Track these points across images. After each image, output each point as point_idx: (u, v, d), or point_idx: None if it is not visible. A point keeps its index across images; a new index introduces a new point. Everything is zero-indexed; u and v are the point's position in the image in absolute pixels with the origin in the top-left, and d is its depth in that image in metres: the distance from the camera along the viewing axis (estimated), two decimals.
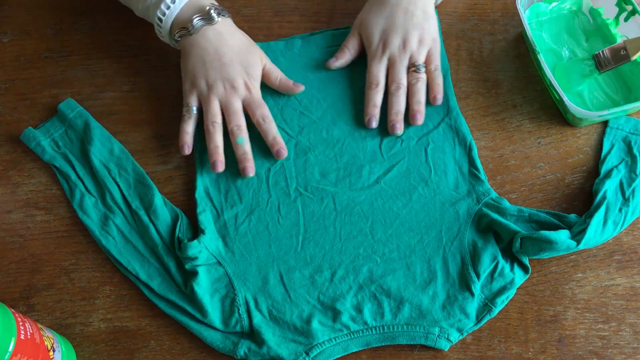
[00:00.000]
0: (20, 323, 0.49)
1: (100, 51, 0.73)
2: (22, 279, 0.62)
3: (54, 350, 0.53)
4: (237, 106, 0.65)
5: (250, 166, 0.64)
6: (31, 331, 0.50)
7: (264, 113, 0.65)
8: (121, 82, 0.71)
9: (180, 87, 0.69)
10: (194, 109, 0.66)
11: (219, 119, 0.65)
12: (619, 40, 0.70)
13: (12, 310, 0.50)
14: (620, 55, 0.64)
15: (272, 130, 0.65)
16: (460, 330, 0.57)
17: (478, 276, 0.59)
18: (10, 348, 0.47)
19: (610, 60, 0.64)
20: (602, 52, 0.64)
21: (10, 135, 0.68)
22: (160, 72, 0.72)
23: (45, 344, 0.52)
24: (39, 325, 0.53)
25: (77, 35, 0.74)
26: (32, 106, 0.70)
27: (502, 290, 0.58)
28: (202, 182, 0.64)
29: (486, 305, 0.58)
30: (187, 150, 0.65)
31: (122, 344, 0.59)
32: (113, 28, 0.74)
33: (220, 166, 0.63)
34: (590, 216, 0.59)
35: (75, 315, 0.60)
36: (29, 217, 0.64)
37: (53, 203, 0.65)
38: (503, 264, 0.59)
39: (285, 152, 0.65)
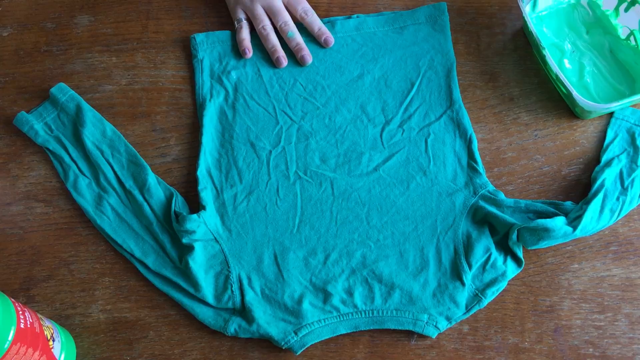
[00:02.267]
0: (20, 312, 0.49)
1: (99, 45, 0.73)
2: (22, 270, 0.62)
3: (53, 340, 0.53)
4: (279, 5, 0.72)
5: (307, 54, 0.70)
6: (31, 320, 0.50)
7: (305, 7, 0.72)
8: (120, 76, 0.72)
9: (179, 82, 0.71)
10: (243, 19, 0.72)
11: (267, 21, 0.71)
12: (620, 31, 0.70)
13: (12, 299, 0.50)
14: None
15: (317, 21, 0.72)
16: (448, 319, 0.58)
17: (470, 266, 0.59)
18: (10, 337, 0.47)
19: None
20: None
21: (10, 129, 0.68)
22: (158, 66, 0.72)
23: (45, 333, 0.52)
24: (39, 316, 0.53)
25: (76, 29, 0.74)
26: (32, 100, 0.70)
27: (493, 282, 0.59)
28: (205, 162, 0.65)
29: (476, 296, 0.59)
30: (249, 53, 0.71)
31: (121, 335, 0.59)
32: (112, 22, 0.75)
33: (284, 61, 0.70)
34: (588, 203, 0.59)
35: (74, 306, 0.61)
36: (29, 209, 0.65)
37: (53, 195, 0.65)
38: (496, 256, 0.60)
39: (331, 41, 0.71)
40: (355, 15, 0.73)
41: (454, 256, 0.60)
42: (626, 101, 0.63)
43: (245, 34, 0.71)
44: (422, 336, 0.58)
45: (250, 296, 0.59)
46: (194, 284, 0.59)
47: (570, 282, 0.60)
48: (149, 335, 0.59)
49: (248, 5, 0.71)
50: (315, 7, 0.75)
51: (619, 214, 0.61)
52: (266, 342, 0.58)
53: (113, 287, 0.61)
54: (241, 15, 0.72)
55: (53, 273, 0.62)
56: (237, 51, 0.71)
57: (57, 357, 0.54)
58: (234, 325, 0.58)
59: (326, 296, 0.59)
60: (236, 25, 0.72)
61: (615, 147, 0.65)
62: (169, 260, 0.61)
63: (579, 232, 0.58)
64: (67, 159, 0.65)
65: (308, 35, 0.72)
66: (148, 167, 0.65)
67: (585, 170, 0.65)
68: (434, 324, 0.58)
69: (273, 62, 0.71)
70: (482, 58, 0.72)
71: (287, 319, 0.58)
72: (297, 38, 0.71)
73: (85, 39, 0.74)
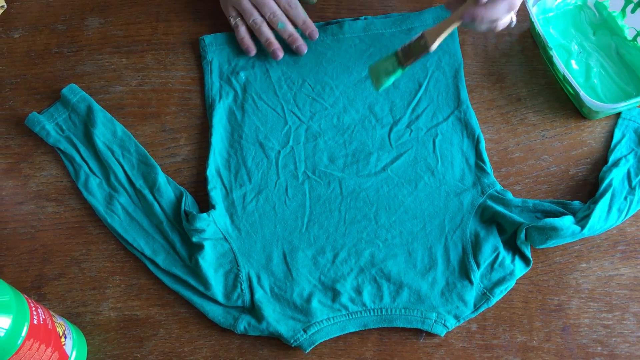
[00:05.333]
0: (33, 309, 0.50)
1: (109, 46, 0.74)
2: (34, 268, 0.63)
3: (65, 337, 0.54)
4: None
5: (302, 44, 0.70)
6: (44, 317, 0.51)
7: None
8: (130, 77, 0.72)
9: (188, 83, 0.72)
10: (236, 17, 0.71)
11: (256, 14, 0.70)
12: (626, 32, 0.70)
13: (25, 296, 0.50)
14: (420, 47, 0.60)
15: (301, 14, 0.71)
16: (457, 317, 0.58)
17: (478, 265, 0.59)
18: (24, 333, 0.48)
19: (411, 53, 0.61)
20: (403, 45, 0.62)
21: (22, 129, 0.69)
22: (168, 67, 0.73)
23: (57, 330, 0.53)
24: (51, 312, 0.54)
25: (87, 31, 0.75)
26: (43, 100, 0.71)
27: (501, 280, 0.59)
28: (214, 162, 0.65)
29: (484, 295, 0.59)
30: (252, 51, 0.71)
31: (131, 332, 0.60)
32: (122, 24, 0.76)
33: (280, 53, 0.70)
34: (595, 202, 0.60)
35: (85, 304, 0.61)
36: (40, 208, 0.65)
37: (64, 195, 0.66)
38: (504, 255, 0.60)
39: (316, 34, 0.71)
40: (363, 17, 0.74)
41: (462, 255, 0.60)
42: (633, 101, 0.64)
43: (242, 33, 0.71)
44: (430, 334, 0.59)
45: (259, 294, 0.59)
46: (204, 282, 0.59)
47: (578, 281, 0.61)
48: (159, 333, 0.60)
49: (235, 0, 0.70)
50: (323, 9, 0.76)
51: (626, 214, 0.61)
52: (275, 340, 0.59)
53: (123, 285, 0.62)
54: (232, 12, 0.72)
55: (64, 271, 0.62)
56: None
57: (68, 354, 0.54)
58: (244, 323, 0.58)
59: (335, 294, 0.59)
60: (232, 25, 0.72)
61: (623, 147, 0.66)
62: (179, 258, 0.61)
63: (586, 232, 0.58)
64: (78, 158, 0.66)
65: (318, 39, 0.72)
66: (158, 167, 0.65)
67: (592, 170, 0.66)
68: (443, 322, 0.58)
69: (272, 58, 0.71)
70: (490, 59, 0.72)
71: (296, 317, 0.58)
72: (289, 29, 0.70)
73: (96, 41, 0.74)
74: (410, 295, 0.59)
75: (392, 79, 0.63)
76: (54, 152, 0.68)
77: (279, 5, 0.70)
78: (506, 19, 0.60)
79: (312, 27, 0.71)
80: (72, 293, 0.61)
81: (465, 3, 0.59)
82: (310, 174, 0.65)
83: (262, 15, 0.71)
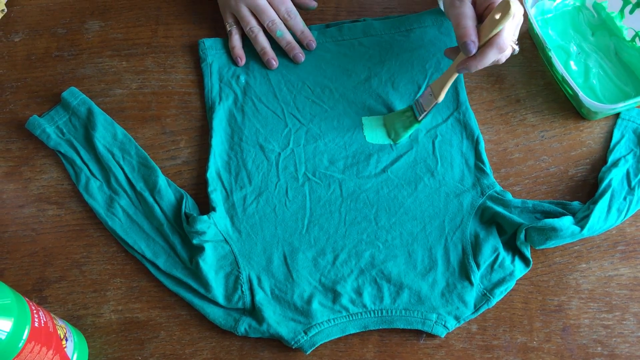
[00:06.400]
0: (35, 311, 0.50)
1: (109, 50, 0.74)
2: (35, 271, 0.63)
3: (66, 340, 0.54)
4: (263, 4, 0.70)
5: (300, 52, 0.71)
6: (45, 320, 0.51)
7: (289, 8, 0.70)
8: (130, 80, 0.72)
9: (188, 85, 0.72)
10: (232, 23, 0.72)
11: (253, 22, 0.71)
12: (625, 33, 0.71)
13: (26, 299, 0.51)
14: (430, 99, 0.64)
15: (300, 24, 0.71)
16: (457, 318, 0.58)
17: (478, 266, 0.60)
18: (25, 335, 0.48)
19: (422, 107, 0.64)
20: (417, 100, 0.65)
21: (22, 132, 0.69)
22: (168, 70, 0.73)
23: (59, 333, 0.53)
24: (52, 315, 0.54)
25: (87, 34, 0.75)
26: (44, 104, 0.71)
27: (501, 281, 0.59)
28: (214, 164, 0.66)
29: (485, 295, 0.59)
30: (241, 61, 0.71)
31: (132, 335, 0.60)
32: (122, 27, 0.76)
33: (274, 63, 0.70)
34: (595, 202, 0.60)
35: (86, 306, 0.61)
36: (41, 211, 0.66)
37: (64, 198, 0.66)
38: (504, 255, 0.60)
39: (314, 44, 0.71)
40: (362, 19, 0.74)
41: (462, 256, 0.61)
42: (632, 102, 0.64)
43: (235, 42, 0.71)
44: (431, 335, 0.59)
45: (260, 296, 0.59)
46: (205, 284, 0.59)
47: (578, 281, 0.61)
48: (160, 335, 0.60)
49: (234, 7, 0.71)
50: (323, 11, 0.76)
51: (626, 214, 0.61)
52: (276, 342, 0.59)
53: (124, 287, 0.62)
54: (230, 19, 0.72)
55: (65, 274, 0.63)
56: (246, 56, 0.72)
57: (70, 357, 0.54)
58: (244, 325, 0.58)
59: (335, 296, 0.59)
60: (227, 31, 0.72)
61: (622, 147, 0.66)
62: (180, 261, 0.61)
63: (586, 232, 0.58)
64: (78, 161, 0.66)
65: (317, 41, 0.72)
66: (158, 170, 0.65)
67: (592, 170, 0.66)
68: (443, 323, 0.58)
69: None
70: None
71: (296, 319, 0.59)
72: (287, 37, 0.71)
73: (96, 44, 0.75)
74: (410, 296, 0.59)
75: (409, 132, 0.66)
76: (54, 155, 0.68)
77: (278, 14, 0.71)
78: (506, 52, 0.60)
79: (310, 37, 0.71)
80: (73, 296, 0.62)
81: (459, 55, 0.61)
82: (310, 175, 0.65)
83: (261, 23, 0.71)
